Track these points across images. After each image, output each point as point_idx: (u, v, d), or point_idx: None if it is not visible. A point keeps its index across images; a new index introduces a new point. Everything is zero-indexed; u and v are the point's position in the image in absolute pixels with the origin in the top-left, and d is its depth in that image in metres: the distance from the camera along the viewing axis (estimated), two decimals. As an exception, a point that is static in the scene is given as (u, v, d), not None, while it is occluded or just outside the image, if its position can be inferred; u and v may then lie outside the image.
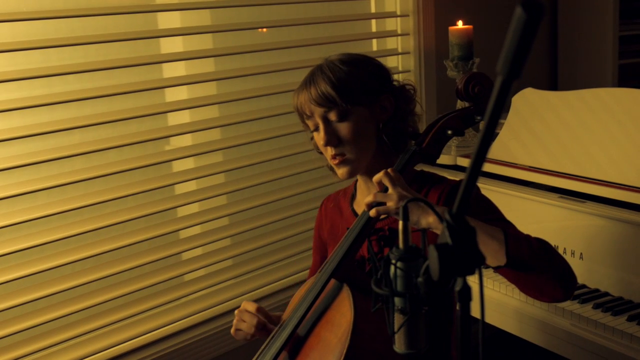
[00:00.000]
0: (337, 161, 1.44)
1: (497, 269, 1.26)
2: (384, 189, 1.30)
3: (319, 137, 1.44)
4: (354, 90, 1.40)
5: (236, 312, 1.53)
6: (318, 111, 1.42)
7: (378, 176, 1.31)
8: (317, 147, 1.53)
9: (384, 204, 1.28)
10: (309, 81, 1.43)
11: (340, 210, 1.60)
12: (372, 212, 1.29)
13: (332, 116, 1.42)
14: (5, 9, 1.76)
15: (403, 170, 1.41)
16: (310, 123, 1.46)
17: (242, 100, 2.18)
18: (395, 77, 2.54)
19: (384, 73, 1.49)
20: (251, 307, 1.50)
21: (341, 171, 1.45)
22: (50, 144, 1.84)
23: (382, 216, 1.34)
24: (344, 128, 1.41)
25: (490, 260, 1.25)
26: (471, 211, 1.31)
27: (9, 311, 1.76)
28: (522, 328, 1.85)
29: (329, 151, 1.44)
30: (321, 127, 1.43)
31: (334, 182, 1.60)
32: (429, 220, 1.24)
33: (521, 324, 1.84)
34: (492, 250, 1.23)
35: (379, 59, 2.56)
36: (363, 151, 1.44)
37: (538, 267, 1.25)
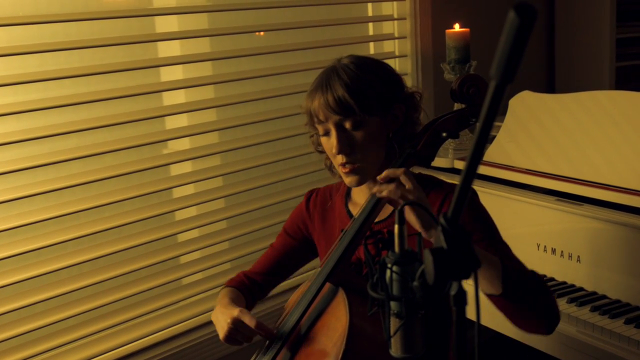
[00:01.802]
0: (347, 169, 1.42)
1: (488, 296, 1.27)
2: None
3: (330, 144, 1.41)
4: (371, 99, 1.38)
5: (229, 320, 1.43)
6: (333, 118, 1.38)
7: (398, 172, 1.27)
8: (317, 147, 1.51)
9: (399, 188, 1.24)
10: (325, 85, 1.39)
11: (334, 210, 1.59)
12: (384, 193, 1.26)
13: (347, 124, 1.39)
14: (1, 13, 1.76)
15: None
16: (320, 127, 1.42)
17: (239, 103, 2.18)
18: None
19: (398, 81, 1.46)
20: (249, 321, 1.42)
21: (350, 179, 1.44)
22: (47, 148, 1.84)
23: (377, 219, 1.34)
24: (357, 137, 1.39)
25: (484, 287, 1.25)
26: (467, 224, 1.32)
27: (5, 315, 1.75)
28: (519, 331, 1.84)
29: (340, 159, 1.41)
30: (334, 134, 1.39)
31: (339, 176, 1.58)
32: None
33: (519, 327, 1.84)
34: (489, 277, 1.23)
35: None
36: (373, 160, 1.42)
37: (528, 301, 1.26)
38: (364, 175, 1.43)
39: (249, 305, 1.62)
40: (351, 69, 1.39)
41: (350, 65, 1.40)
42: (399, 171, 1.27)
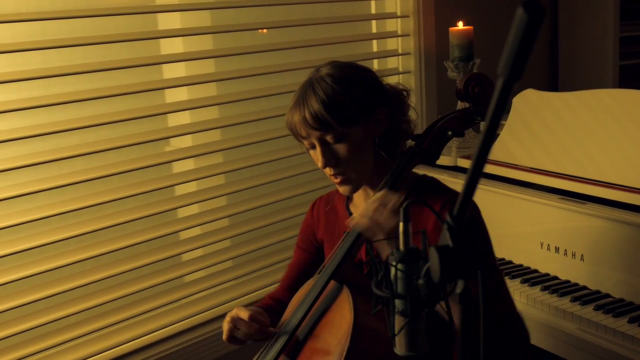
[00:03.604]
0: (338, 180, 1.43)
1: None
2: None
3: (316, 158, 1.42)
4: (350, 111, 1.36)
5: (228, 319, 1.45)
6: (314, 134, 1.38)
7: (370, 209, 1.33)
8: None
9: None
10: (301, 102, 1.38)
11: (336, 211, 1.59)
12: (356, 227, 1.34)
13: (329, 138, 1.38)
14: (5, 10, 1.75)
15: (397, 178, 1.41)
16: (306, 142, 1.43)
17: (242, 101, 2.18)
18: (395, 78, 2.56)
19: (377, 85, 1.43)
20: (245, 314, 1.44)
21: (343, 189, 1.45)
22: (50, 145, 1.84)
23: None
24: (341, 149, 1.39)
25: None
26: None
27: (8, 312, 1.75)
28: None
29: (328, 171, 1.43)
30: (318, 149, 1.40)
31: (334, 183, 1.59)
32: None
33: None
34: (454, 311, 1.25)
35: (379, 60, 2.58)
36: (362, 168, 1.42)
37: (491, 346, 1.24)
38: (355, 184, 1.44)
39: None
40: (327, 82, 1.37)
41: (327, 78, 1.38)
42: (371, 208, 1.32)
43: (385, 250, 1.30)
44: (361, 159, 1.41)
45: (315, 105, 1.35)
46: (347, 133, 1.37)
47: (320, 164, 1.41)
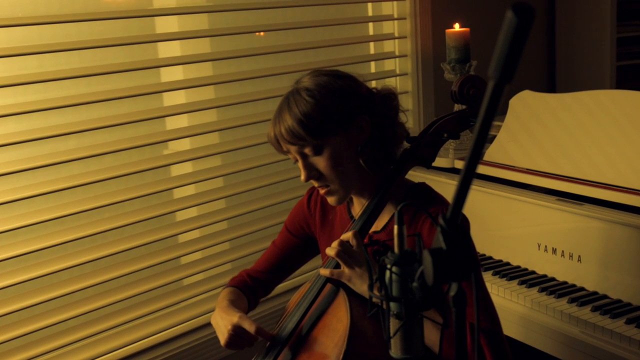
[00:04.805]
0: (323, 191, 1.42)
1: None
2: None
3: (300, 171, 1.41)
4: (323, 123, 1.34)
5: (229, 326, 1.43)
6: (292, 148, 1.38)
7: (332, 250, 1.33)
8: None
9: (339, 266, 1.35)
10: (278, 116, 1.38)
11: (335, 212, 1.58)
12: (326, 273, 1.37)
13: (307, 151, 1.38)
14: (1, 14, 1.76)
15: (394, 181, 1.41)
16: (290, 156, 1.43)
17: (240, 104, 2.18)
18: (392, 80, 2.57)
19: (356, 93, 1.39)
20: (249, 327, 1.42)
21: (330, 200, 1.44)
22: (47, 149, 1.84)
23: (375, 230, 1.34)
24: (320, 162, 1.38)
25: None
26: None
27: (6, 317, 1.75)
28: (521, 332, 1.84)
29: (313, 183, 1.42)
30: (299, 162, 1.40)
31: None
32: (363, 289, 1.29)
33: (522, 328, 1.84)
34: (428, 341, 1.25)
35: (376, 62, 2.58)
36: (345, 178, 1.40)
37: None
38: (341, 195, 1.42)
39: (251, 305, 1.63)
40: (302, 96, 1.36)
41: (302, 91, 1.37)
42: (332, 251, 1.33)
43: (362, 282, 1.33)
44: (343, 169, 1.39)
45: (288, 120, 1.35)
46: (324, 144, 1.36)
47: (302, 177, 1.40)
